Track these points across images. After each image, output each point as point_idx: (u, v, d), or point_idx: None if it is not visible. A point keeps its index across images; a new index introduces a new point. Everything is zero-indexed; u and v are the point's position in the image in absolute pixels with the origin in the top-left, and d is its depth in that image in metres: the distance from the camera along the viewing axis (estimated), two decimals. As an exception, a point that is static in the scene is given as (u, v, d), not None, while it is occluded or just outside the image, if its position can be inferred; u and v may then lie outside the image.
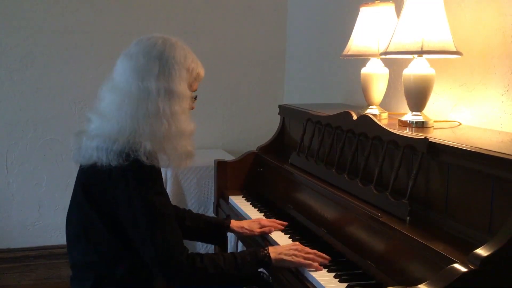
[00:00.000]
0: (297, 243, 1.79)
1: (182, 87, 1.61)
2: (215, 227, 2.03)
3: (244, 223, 2.07)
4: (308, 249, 1.73)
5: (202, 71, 1.71)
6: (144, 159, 1.53)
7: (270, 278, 1.81)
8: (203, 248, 3.30)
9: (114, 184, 1.56)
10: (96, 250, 1.63)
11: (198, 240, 2.14)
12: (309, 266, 1.67)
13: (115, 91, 1.60)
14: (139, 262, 1.63)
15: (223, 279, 1.63)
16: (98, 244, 1.62)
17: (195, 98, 1.73)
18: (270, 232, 2.03)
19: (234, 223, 2.06)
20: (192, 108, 1.71)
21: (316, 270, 1.66)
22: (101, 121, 1.60)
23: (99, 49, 3.53)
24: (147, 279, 1.68)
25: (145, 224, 1.55)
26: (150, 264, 1.61)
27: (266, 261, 1.68)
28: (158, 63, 1.59)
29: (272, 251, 1.70)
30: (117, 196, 1.56)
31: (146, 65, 1.59)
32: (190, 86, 1.67)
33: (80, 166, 1.67)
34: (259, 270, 1.74)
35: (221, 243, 2.11)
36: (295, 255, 1.69)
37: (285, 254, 1.69)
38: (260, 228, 2.04)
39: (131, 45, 1.67)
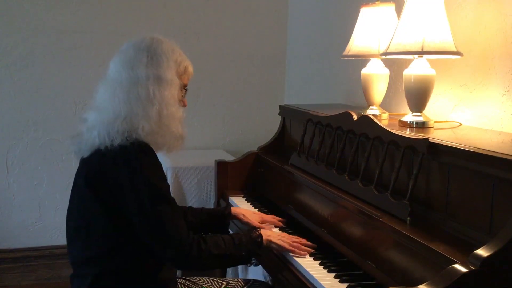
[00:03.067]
0: (285, 233, 1.93)
1: (170, 74, 1.69)
2: (217, 217, 2.10)
3: (247, 212, 2.15)
4: (294, 238, 1.87)
5: (190, 66, 1.79)
6: (144, 137, 1.61)
7: (258, 263, 1.91)
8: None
9: (118, 169, 1.60)
10: (97, 243, 1.64)
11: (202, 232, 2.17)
12: (293, 252, 1.81)
13: (107, 83, 1.69)
14: (139, 255, 1.65)
15: (223, 259, 1.73)
16: (99, 237, 1.64)
17: (185, 92, 1.80)
18: (269, 228, 2.06)
19: (235, 210, 2.14)
20: (184, 105, 1.79)
21: (300, 256, 1.79)
22: (97, 113, 1.67)
23: (99, 49, 3.53)
24: (147, 273, 1.68)
25: (150, 207, 1.59)
26: (156, 247, 1.63)
27: (259, 241, 1.80)
28: (146, 54, 1.68)
29: (263, 233, 1.83)
30: (122, 181, 1.59)
31: (135, 56, 1.68)
32: (179, 77, 1.74)
33: (82, 159, 1.70)
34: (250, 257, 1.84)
35: (225, 232, 2.14)
36: (282, 240, 1.83)
37: (274, 237, 1.83)
38: (260, 222, 2.10)
39: (123, 45, 1.77)
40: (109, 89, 1.67)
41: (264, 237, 1.81)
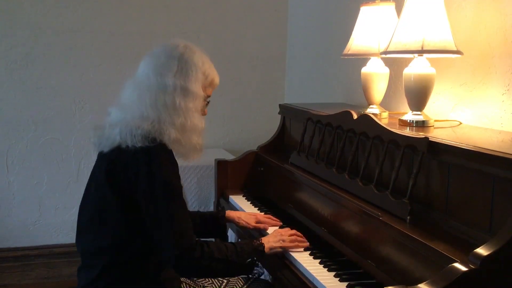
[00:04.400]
0: (279, 229, 1.94)
1: (197, 87, 1.72)
2: (211, 220, 2.11)
3: (242, 214, 2.16)
4: (290, 231, 1.89)
5: (217, 79, 1.84)
6: (169, 144, 1.65)
7: (263, 270, 1.91)
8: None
9: (138, 162, 1.63)
10: (108, 235, 1.67)
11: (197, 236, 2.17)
12: (296, 247, 1.84)
13: (135, 85, 1.72)
14: (148, 249, 1.68)
15: (225, 265, 1.73)
16: (111, 228, 1.67)
17: (208, 103, 1.83)
18: (265, 229, 2.08)
19: (230, 213, 2.15)
20: (204, 114, 1.82)
21: (304, 247, 1.84)
22: (121, 111, 1.71)
23: (99, 49, 3.53)
24: (154, 267, 1.71)
25: (163, 203, 1.62)
26: (161, 244, 1.65)
27: (261, 249, 1.81)
28: (177, 62, 1.71)
29: (264, 241, 1.84)
30: (139, 172, 1.62)
31: (166, 63, 1.71)
32: (204, 90, 1.78)
33: (101, 153, 1.73)
34: (254, 263, 1.86)
35: (220, 235, 2.15)
36: (282, 240, 1.84)
37: (274, 242, 1.84)
38: (256, 223, 2.11)
39: (156, 47, 1.78)
40: (137, 90, 1.70)
41: (266, 244, 1.82)
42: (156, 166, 1.62)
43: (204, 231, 2.08)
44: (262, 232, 2.07)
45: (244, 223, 2.11)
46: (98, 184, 1.72)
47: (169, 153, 1.67)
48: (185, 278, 1.95)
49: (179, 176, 1.72)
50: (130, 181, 1.64)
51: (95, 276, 1.68)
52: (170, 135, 1.65)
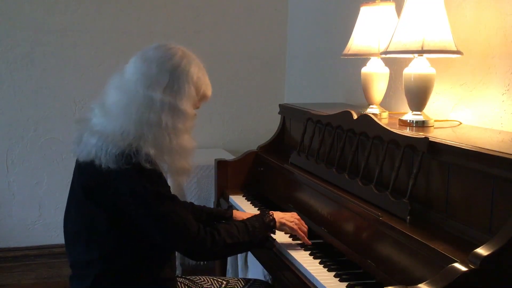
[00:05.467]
0: (295, 214, 1.93)
1: (188, 106, 1.61)
2: (218, 218, 2.08)
3: (247, 215, 2.08)
4: (304, 224, 1.91)
5: (209, 92, 1.71)
6: (145, 164, 1.53)
7: (275, 240, 1.90)
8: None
9: (116, 184, 1.55)
10: (97, 247, 1.62)
11: None
12: (302, 238, 1.87)
13: (122, 91, 1.60)
14: (140, 255, 1.64)
15: (238, 247, 1.75)
16: (101, 240, 1.61)
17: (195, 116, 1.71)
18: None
19: (236, 214, 2.10)
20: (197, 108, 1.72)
21: (306, 243, 1.86)
22: (105, 118, 1.59)
23: (99, 48, 3.53)
24: (148, 273, 1.68)
25: (156, 209, 1.57)
26: (169, 245, 1.64)
27: (272, 225, 1.82)
28: (169, 76, 1.58)
29: (276, 216, 1.84)
30: (121, 194, 1.56)
31: (157, 74, 1.58)
32: (195, 105, 1.67)
33: (77, 162, 1.65)
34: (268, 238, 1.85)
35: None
36: (295, 223, 1.87)
37: (287, 220, 1.86)
38: None
39: (151, 48, 1.65)
40: (123, 100, 1.58)
41: (277, 219, 1.82)
42: (135, 187, 1.54)
43: None
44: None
45: None
46: (78, 199, 1.64)
47: (147, 172, 1.54)
48: (183, 278, 1.95)
49: (164, 181, 1.61)
50: (113, 199, 1.57)
51: (88, 287, 1.63)
52: (148, 154, 1.53)
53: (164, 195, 1.59)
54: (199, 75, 1.64)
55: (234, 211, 2.11)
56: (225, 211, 2.11)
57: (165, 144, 1.57)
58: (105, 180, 1.56)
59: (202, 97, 1.70)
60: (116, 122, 1.56)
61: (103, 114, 1.60)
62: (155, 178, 1.57)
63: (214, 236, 1.65)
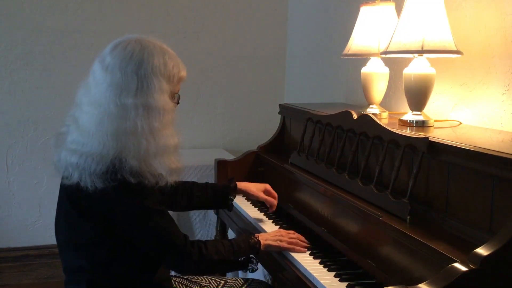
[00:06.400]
0: (281, 229, 1.95)
1: (161, 101, 1.53)
2: (223, 192, 2.10)
3: (251, 185, 2.16)
4: (291, 233, 1.88)
5: (184, 73, 1.63)
6: (130, 178, 1.49)
7: (258, 266, 1.90)
8: (199, 233, 3.35)
9: (104, 202, 1.53)
10: (86, 255, 1.60)
11: (208, 208, 2.27)
12: (292, 249, 1.82)
13: (93, 106, 1.53)
14: (133, 262, 1.63)
15: (223, 264, 1.76)
16: (89, 251, 1.59)
17: (178, 101, 1.66)
18: (271, 206, 2.13)
19: (240, 185, 2.14)
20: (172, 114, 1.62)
21: (299, 252, 1.81)
22: (80, 136, 1.53)
23: (99, 48, 3.46)
24: (141, 276, 1.67)
25: (143, 224, 1.56)
26: (158, 258, 1.64)
27: (257, 247, 1.79)
28: (136, 78, 1.51)
29: (261, 238, 1.82)
30: (109, 210, 1.55)
31: (123, 80, 1.51)
32: (172, 93, 1.61)
33: (63, 183, 1.61)
34: (249, 260, 1.86)
35: (230, 207, 2.14)
36: (280, 240, 1.83)
37: (271, 240, 1.83)
38: (264, 192, 2.14)
39: (106, 52, 1.59)
40: (96, 114, 1.51)
41: (262, 242, 1.81)
42: (123, 203, 1.53)
43: (216, 203, 2.11)
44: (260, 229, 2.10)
45: (254, 194, 2.13)
46: (67, 213, 1.61)
47: (133, 186, 1.50)
48: (181, 278, 1.94)
49: (150, 192, 1.55)
50: (101, 217, 1.55)
51: None
52: (131, 167, 1.48)
53: (151, 210, 1.57)
54: (166, 62, 1.56)
55: (238, 182, 2.14)
56: (228, 184, 2.12)
57: (145, 150, 1.50)
58: (95, 200, 1.52)
59: (178, 81, 1.62)
60: (94, 140, 1.50)
61: (78, 132, 1.55)
62: (142, 192, 1.53)
63: (202, 250, 1.65)
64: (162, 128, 1.54)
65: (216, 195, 2.10)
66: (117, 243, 1.60)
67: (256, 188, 2.15)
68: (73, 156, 1.52)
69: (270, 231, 1.98)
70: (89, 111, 1.53)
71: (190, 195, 2.06)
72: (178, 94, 1.67)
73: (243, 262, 1.81)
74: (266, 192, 2.15)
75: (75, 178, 1.51)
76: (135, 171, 1.50)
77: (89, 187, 1.48)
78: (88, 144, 1.51)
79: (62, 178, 1.60)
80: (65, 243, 1.66)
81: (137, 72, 1.52)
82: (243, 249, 1.76)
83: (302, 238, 1.88)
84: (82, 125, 1.54)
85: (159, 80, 1.54)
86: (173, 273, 1.91)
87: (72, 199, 1.58)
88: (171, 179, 1.57)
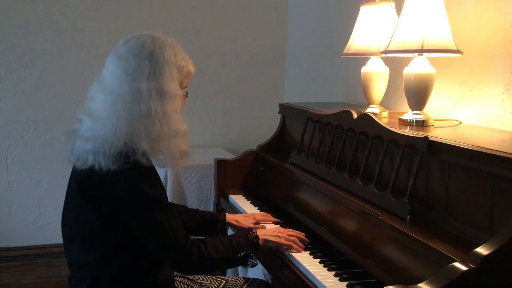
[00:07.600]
0: (279, 227, 1.97)
1: (173, 87, 1.61)
2: (211, 221, 2.09)
3: (239, 217, 2.15)
4: (290, 232, 1.89)
5: (192, 68, 1.71)
6: (143, 160, 1.55)
7: (257, 261, 1.91)
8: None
9: (115, 186, 1.56)
10: (93, 249, 1.62)
11: (193, 235, 2.16)
12: (291, 247, 1.83)
13: (107, 93, 1.59)
14: (137, 257, 1.64)
15: (223, 262, 1.76)
16: (95, 243, 1.62)
17: (186, 95, 1.74)
18: (263, 228, 2.07)
19: (229, 216, 2.13)
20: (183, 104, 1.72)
21: (297, 251, 1.83)
22: (94, 122, 1.59)
23: (99, 48, 3.53)
24: (145, 274, 1.68)
25: (148, 216, 1.57)
26: (157, 253, 1.64)
27: (256, 242, 1.81)
28: (149, 63, 1.58)
29: (259, 233, 1.84)
30: (119, 195, 1.57)
31: (137, 66, 1.58)
32: (181, 84, 1.68)
33: (74, 169, 1.65)
34: (248, 255, 1.86)
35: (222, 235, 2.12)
36: (278, 236, 1.85)
37: (269, 235, 1.84)
38: (254, 223, 2.12)
39: (119, 45, 1.65)
40: (109, 100, 1.58)
41: (260, 237, 1.82)
42: (133, 188, 1.55)
43: (203, 231, 2.08)
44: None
45: (243, 225, 2.09)
46: (75, 203, 1.65)
47: (145, 170, 1.57)
48: (182, 277, 1.95)
49: (160, 183, 1.64)
50: (110, 202, 1.57)
51: (86, 287, 1.63)
52: (144, 151, 1.54)
53: (159, 202, 1.59)
54: (176, 53, 1.64)
55: (227, 214, 2.14)
56: (218, 215, 2.13)
57: (157, 133, 1.57)
58: (107, 183, 1.56)
59: (187, 75, 1.70)
60: (107, 124, 1.56)
61: (92, 120, 1.60)
62: (153, 179, 1.59)
63: (201, 248, 1.66)
64: (173, 112, 1.61)
65: (204, 222, 2.07)
66: (122, 236, 1.61)
67: (243, 220, 2.13)
68: (88, 143, 1.57)
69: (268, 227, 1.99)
70: (102, 98, 1.60)
71: None
72: (187, 91, 1.73)
73: (242, 257, 1.82)
74: (256, 222, 2.14)
75: (89, 161, 1.55)
76: (147, 153, 1.56)
77: (103, 167, 1.52)
78: (101, 129, 1.56)
79: (74, 165, 1.64)
80: (71, 236, 1.68)
81: (150, 58, 1.59)
82: (242, 244, 1.77)
83: (302, 235, 1.89)
84: (95, 113, 1.60)
85: (170, 68, 1.61)
86: (174, 273, 1.92)
87: (81, 183, 1.62)
88: (181, 162, 1.66)
